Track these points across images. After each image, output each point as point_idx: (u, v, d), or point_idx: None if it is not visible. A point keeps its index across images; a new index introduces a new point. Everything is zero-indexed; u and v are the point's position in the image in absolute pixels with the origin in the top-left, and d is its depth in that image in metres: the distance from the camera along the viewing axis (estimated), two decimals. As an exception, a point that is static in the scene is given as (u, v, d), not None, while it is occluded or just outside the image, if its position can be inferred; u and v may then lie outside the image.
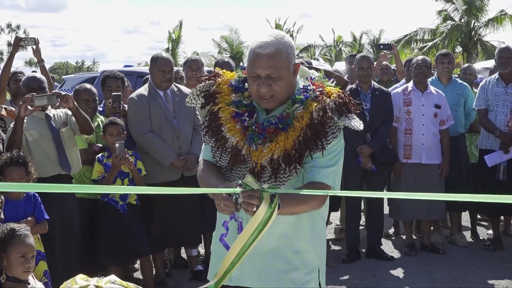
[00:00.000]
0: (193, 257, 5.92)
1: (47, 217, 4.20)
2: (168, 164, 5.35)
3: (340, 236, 7.17)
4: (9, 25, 51.49)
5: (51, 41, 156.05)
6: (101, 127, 5.30)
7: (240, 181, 2.36)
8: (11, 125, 4.59)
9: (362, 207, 7.01)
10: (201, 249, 6.25)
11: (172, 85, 5.57)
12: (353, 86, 6.39)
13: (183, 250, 6.26)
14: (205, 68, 6.97)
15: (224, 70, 2.83)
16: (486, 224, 7.67)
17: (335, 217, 7.75)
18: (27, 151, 4.60)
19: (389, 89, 6.94)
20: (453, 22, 29.19)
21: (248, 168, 2.59)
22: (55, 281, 4.04)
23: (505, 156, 6.42)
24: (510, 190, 6.34)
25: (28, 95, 4.50)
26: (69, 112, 4.88)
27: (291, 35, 42.84)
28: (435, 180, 6.60)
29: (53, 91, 4.83)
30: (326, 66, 6.52)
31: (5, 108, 5.54)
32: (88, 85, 5.70)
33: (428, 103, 6.55)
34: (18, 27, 51.75)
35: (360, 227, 6.78)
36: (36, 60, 6.15)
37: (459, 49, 29.56)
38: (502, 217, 7.51)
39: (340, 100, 2.53)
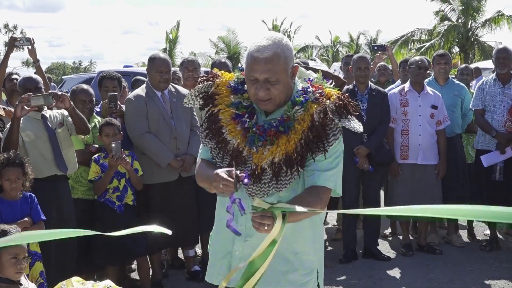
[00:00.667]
0: (190, 257, 5.92)
1: (43, 217, 4.21)
2: (166, 165, 5.35)
3: (337, 236, 7.18)
4: (6, 26, 51.35)
5: (48, 41, 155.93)
6: (98, 128, 5.30)
7: (244, 174, 2.37)
8: (7, 126, 4.58)
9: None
10: (198, 249, 6.25)
11: (170, 85, 5.57)
12: (350, 86, 6.40)
13: (180, 251, 6.26)
14: (202, 69, 6.97)
15: (223, 71, 2.82)
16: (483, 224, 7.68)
17: (332, 217, 7.76)
18: (23, 151, 4.60)
19: (385, 90, 6.95)
20: (450, 23, 29.21)
21: (249, 169, 2.57)
22: (51, 281, 4.03)
23: (501, 156, 6.44)
24: (506, 190, 6.39)
25: (25, 95, 4.49)
26: (66, 113, 4.88)
27: (288, 36, 42.85)
28: (431, 180, 6.62)
29: (50, 91, 4.82)
30: (323, 67, 6.50)
31: (4, 109, 5.54)
32: (85, 86, 5.69)
33: (425, 104, 6.55)
34: (15, 27, 51.56)
35: (357, 228, 6.79)
36: (32, 60, 6.14)
37: (456, 49, 29.57)
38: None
39: (340, 102, 2.53)
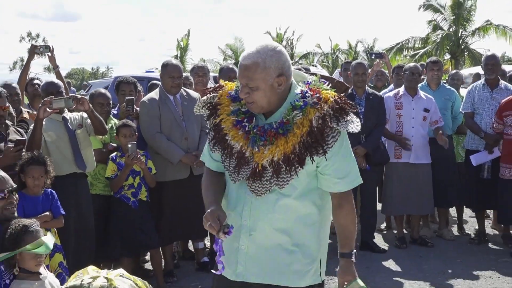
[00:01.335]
0: (200, 249, 5.93)
1: (63, 212, 4.21)
2: (177, 161, 5.34)
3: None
4: (29, 34, 51.43)
5: (68, 48, 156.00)
6: (114, 129, 5.30)
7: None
8: (31, 127, 4.60)
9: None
10: (207, 242, 6.25)
11: (181, 89, 5.57)
12: (349, 90, 6.40)
13: (190, 243, 6.26)
14: (211, 74, 6.99)
15: (226, 82, 2.80)
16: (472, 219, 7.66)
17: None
18: (46, 151, 4.60)
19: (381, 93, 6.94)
20: (443, 32, 29.13)
21: (251, 168, 2.57)
22: (71, 271, 4.05)
23: (489, 156, 6.44)
24: (493, 187, 6.39)
25: (47, 98, 4.50)
26: (85, 115, 4.89)
27: (291, 44, 42.78)
28: (424, 178, 6.62)
29: (70, 94, 4.83)
30: (324, 72, 6.51)
31: (28, 112, 5.56)
32: (103, 90, 5.70)
33: (418, 107, 6.55)
34: (38, 35, 51.64)
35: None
36: (52, 66, 6.16)
37: (447, 56, 29.48)
38: (491, 215, 7.55)
39: (337, 106, 2.50)
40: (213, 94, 2.73)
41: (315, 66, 17.17)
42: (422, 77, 7.11)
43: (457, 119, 7.04)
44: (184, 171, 5.43)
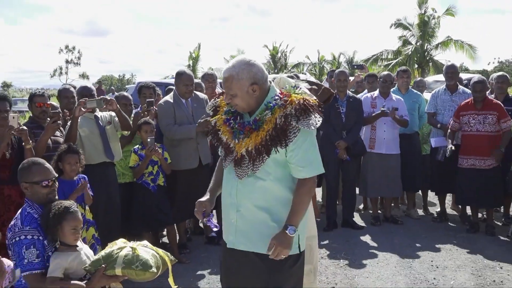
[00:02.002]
0: (208, 226, 5.92)
1: (92, 193, 4.20)
2: (194, 134, 5.27)
3: (321, 210, 7.18)
4: (66, 47, 51.28)
5: (99, 58, 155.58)
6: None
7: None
8: (68, 124, 4.60)
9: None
10: (214, 220, 6.25)
11: (192, 93, 5.55)
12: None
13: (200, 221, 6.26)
14: (218, 80, 6.97)
15: None
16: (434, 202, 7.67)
17: (318, 195, 7.75)
18: (80, 143, 4.60)
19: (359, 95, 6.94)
20: (412, 45, 29.05)
21: (234, 156, 2.63)
22: (102, 242, 4.08)
23: (444, 142, 6.45)
24: (453, 175, 6.39)
25: (82, 100, 4.50)
26: (113, 114, 4.89)
27: (285, 55, 42.70)
28: (394, 166, 6.64)
29: (101, 96, 4.81)
30: (312, 79, 6.49)
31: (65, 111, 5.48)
32: (125, 93, 5.72)
33: (389, 107, 6.55)
34: (73, 48, 51.50)
35: (337, 204, 6.79)
36: (90, 79, 5.83)
37: (415, 66, 29.40)
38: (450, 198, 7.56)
39: (298, 107, 2.50)
40: (217, 99, 2.85)
41: (305, 74, 17.13)
42: (394, 82, 7.11)
43: (423, 118, 7.04)
44: (194, 162, 5.43)
